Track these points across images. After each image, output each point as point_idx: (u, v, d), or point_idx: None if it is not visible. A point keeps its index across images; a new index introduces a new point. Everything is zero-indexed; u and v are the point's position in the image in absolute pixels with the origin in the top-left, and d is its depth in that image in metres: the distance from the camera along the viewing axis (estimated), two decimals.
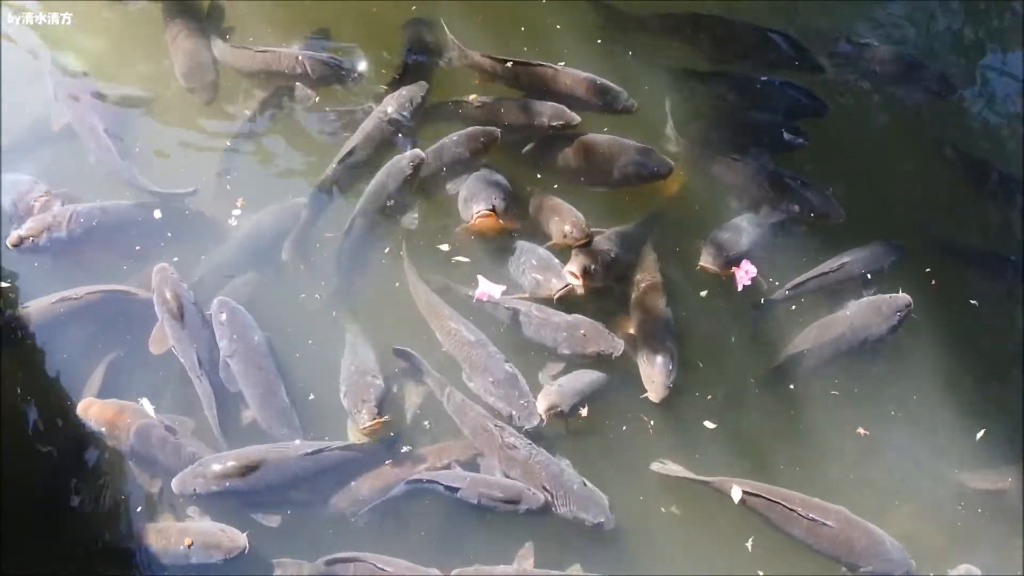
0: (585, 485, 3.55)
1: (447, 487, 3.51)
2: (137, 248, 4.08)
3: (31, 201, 4.07)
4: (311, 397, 3.82)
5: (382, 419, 3.60)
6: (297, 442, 3.61)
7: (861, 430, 3.87)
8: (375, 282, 4.11)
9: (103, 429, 3.62)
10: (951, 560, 3.61)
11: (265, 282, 4.08)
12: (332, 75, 4.58)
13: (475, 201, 4.11)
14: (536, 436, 3.68)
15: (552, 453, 3.64)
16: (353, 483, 3.58)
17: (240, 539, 3.38)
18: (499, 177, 4.25)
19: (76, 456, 3.66)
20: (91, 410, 3.66)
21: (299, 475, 3.55)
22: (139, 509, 3.55)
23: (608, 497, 3.56)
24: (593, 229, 4.11)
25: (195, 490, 3.49)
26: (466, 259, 4.14)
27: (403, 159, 4.23)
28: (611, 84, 4.46)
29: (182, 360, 3.74)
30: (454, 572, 3.42)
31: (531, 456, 3.58)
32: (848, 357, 4.01)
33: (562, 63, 4.53)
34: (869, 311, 4.04)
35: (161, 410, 3.71)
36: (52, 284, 3.93)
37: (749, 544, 3.62)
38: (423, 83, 4.54)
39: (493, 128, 4.37)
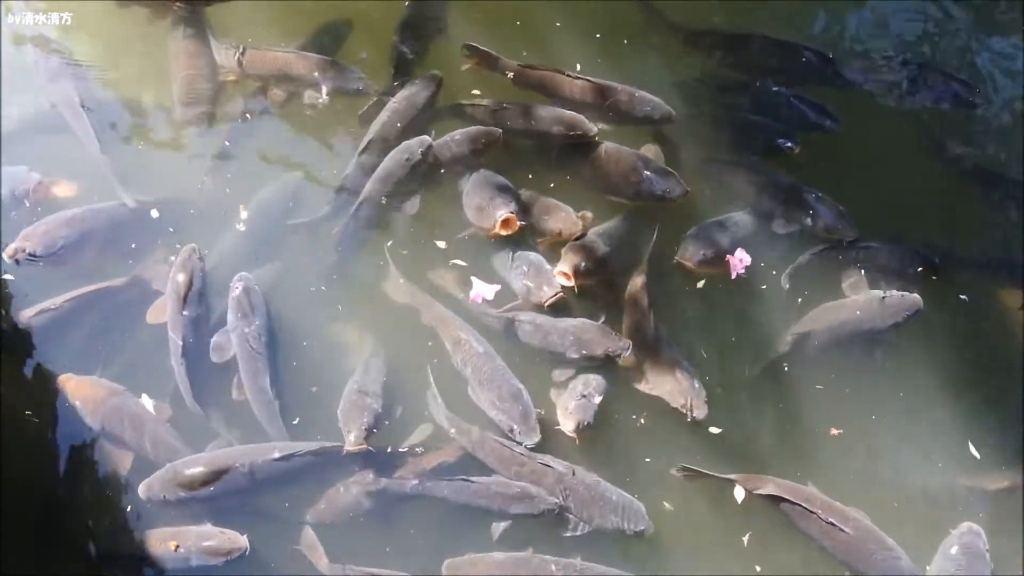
0: (623, 494, 3.59)
1: (465, 481, 3.55)
2: (133, 246, 4.07)
3: (28, 189, 4.09)
4: (314, 389, 3.82)
5: (367, 446, 3.55)
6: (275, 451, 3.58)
7: (834, 431, 3.88)
8: (374, 270, 4.13)
9: (77, 403, 3.65)
10: None
11: (283, 271, 4.10)
12: (350, 87, 4.55)
13: (494, 207, 4.09)
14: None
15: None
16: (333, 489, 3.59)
17: (240, 541, 3.38)
18: (503, 179, 4.25)
19: (76, 458, 3.66)
20: (68, 385, 3.69)
21: (272, 479, 3.54)
22: (139, 509, 3.55)
23: None
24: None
25: (164, 497, 3.48)
26: (464, 263, 4.14)
27: (412, 144, 4.25)
28: (650, 96, 4.47)
29: (170, 341, 3.76)
30: (446, 561, 3.45)
31: (568, 472, 3.59)
32: (848, 345, 4.03)
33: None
34: (878, 303, 4.05)
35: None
36: (52, 285, 3.92)
37: (745, 539, 3.63)
38: (436, 73, 4.55)
39: (494, 129, 4.37)
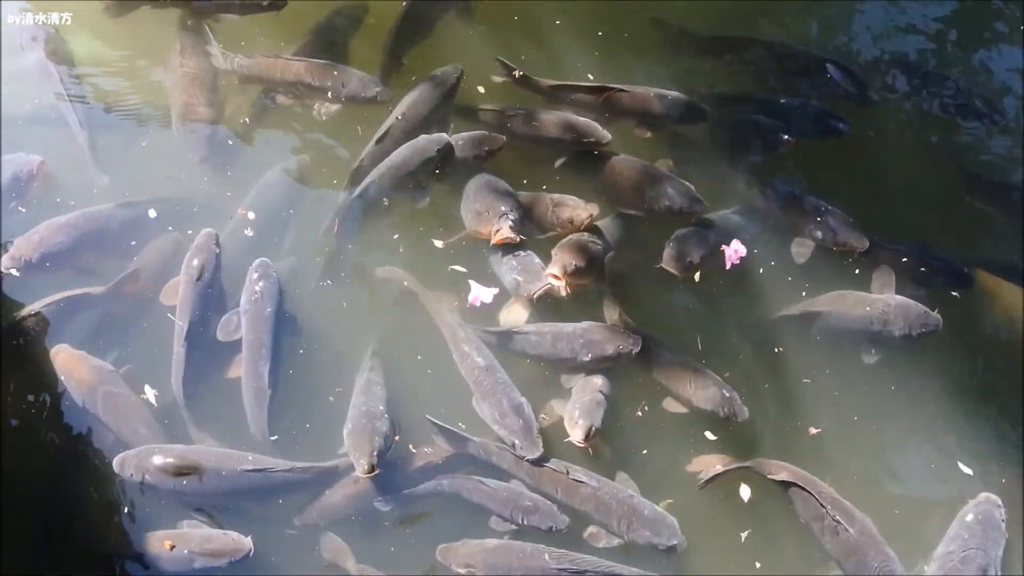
0: (656, 509, 3.56)
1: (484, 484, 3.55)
2: (132, 243, 4.07)
3: (31, 170, 4.12)
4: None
5: (378, 471, 3.50)
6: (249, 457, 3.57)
7: (812, 429, 3.88)
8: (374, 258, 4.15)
9: (64, 377, 3.67)
10: None
11: (298, 265, 4.11)
12: (366, 95, 4.46)
13: (494, 215, 4.04)
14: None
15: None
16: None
17: (244, 543, 3.38)
18: (504, 184, 4.21)
19: (76, 459, 3.67)
20: (59, 358, 3.70)
21: (242, 488, 3.54)
22: (140, 509, 3.55)
23: None
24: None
25: (132, 475, 3.49)
26: (463, 268, 4.12)
27: (430, 140, 4.22)
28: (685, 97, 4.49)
29: (176, 321, 3.77)
30: (440, 547, 3.45)
31: (600, 488, 3.57)
32: (849, 338, 4.04)
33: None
34: (900, 309, 4.03)
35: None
36: (52, 287, 3.91)
37: (743, 536, 3.64)
38: (456, 66, 4.52)
39: (498, 136, 4.35)
